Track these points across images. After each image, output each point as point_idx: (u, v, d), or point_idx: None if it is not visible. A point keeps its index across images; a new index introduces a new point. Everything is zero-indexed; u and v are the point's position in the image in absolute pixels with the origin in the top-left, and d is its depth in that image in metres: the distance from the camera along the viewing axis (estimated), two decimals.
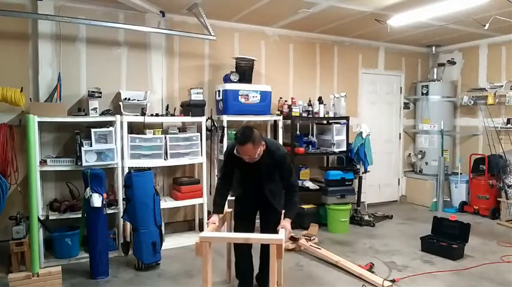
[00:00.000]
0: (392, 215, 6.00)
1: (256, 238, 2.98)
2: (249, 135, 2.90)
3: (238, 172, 3.23)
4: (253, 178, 3.17)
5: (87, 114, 4.33)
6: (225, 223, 3.48)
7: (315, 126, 5.81)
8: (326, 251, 4.23)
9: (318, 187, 5.52)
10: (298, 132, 5.43)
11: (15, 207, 4.13)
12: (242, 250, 3.36)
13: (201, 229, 4.97)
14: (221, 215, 3.27)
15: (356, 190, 5.66)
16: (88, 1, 4.51)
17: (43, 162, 4.13)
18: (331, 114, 5.65)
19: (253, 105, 5.03)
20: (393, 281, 3.58)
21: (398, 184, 7.15)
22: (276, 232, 3.09)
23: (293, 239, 4.39)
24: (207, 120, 4.96)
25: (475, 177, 6.17)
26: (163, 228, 4.38)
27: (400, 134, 7.12)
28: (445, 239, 4.38)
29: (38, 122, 3.96)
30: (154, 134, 4.59)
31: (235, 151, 3.01)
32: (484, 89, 6.23)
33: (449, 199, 6.54)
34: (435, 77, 6.85)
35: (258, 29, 5.64)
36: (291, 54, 5.96)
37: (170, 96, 5.10)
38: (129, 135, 4.39)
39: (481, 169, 6.13)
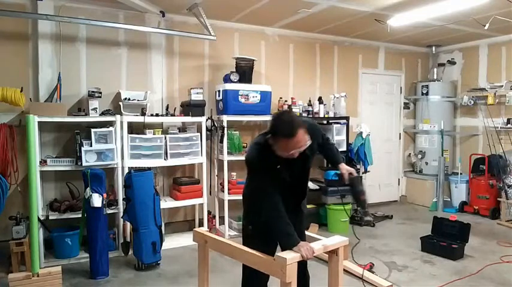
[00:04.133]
0: (392, 215, 6.00)
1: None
2: (294, 120, 2.15)
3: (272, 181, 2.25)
4: (290, 182, 2.34)
5: (87, 114, 4.33)
6: None
7: None
8: None
9: (318, 187, 5.52)
10: None
11: (15, 207, 4.13)
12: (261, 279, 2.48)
13: None
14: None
15: None
16: (88, 1, 4.51)
17: (43, 162, 4.13)
18: (331, 114, 5.65)
19: (253, 105, 5.03)
20: None
21: (398, 184, 7.15)
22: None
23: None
24: (207, 120, 4.96)
25: (475, 177, 6.17)
26: (163, 228, 4.39)
27: (400, 134, 7.12)
28: (445, 239, 4.38)
29: (38, 122, 3.96)
30: (154, 134, 4.59)
31: (278, 150, 2.17)
32: (484, 89, 6.23)
33: (449, 199, 6.54)
34: (435, 77, 6.85)
35: (258, 29, 5.64)
36: (291, 54, 5.96)
37: (170, 96, 5.10)
38: (129, 135, 4.39)
39: (481, 169, 6.12)
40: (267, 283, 2.54)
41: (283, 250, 2.13)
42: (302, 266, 2.31)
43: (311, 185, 5.55)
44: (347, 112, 5.76)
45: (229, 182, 4.98)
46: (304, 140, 2.15)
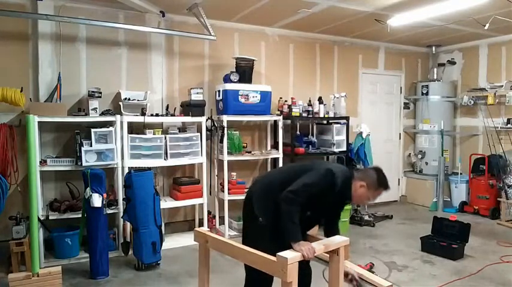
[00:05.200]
0: (392, 215, 6.00)
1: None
2: None
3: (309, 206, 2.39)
4: (319, 216, 2.58)
5: (87, 114, 4.33)
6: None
7: (315, 126, 5.81)
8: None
9: None
10: (298, 132, 5.43)
11: (15, 207, 4.13)
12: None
13: None
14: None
15: None
16: (88, 1, 4.51)
17: (43, 162, 4.12)
18: (331, 114, 5.65)
19: (253, 105, 5.02)
20: None
21: (399, 184, 7.15)
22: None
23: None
24: (207, 120, 4.95)
25: (475, 177, 6.17)
26: (163, 228, 4.39)
27: (400, 134, 7.12)
28: (445, 239, 4.38)
29: (38, 122, 3.96)
30: (154, 134, 4.59)
31: (367, 196, 2.46)
32: (484, 89, 6.23)
33: (449, 199, 6.54)
34: (435, 77, 6.84)
35: (258, 29, 5.64)
36: (291, 54, 5.96)
37: (170, 96, 5.10)
38: (129, 135, 4.39)
39: (481, 169, 6.13)
40: None
41: (286, 240, 2.18)
42: (304, 265, 2.31)
43: None
44: (347, 112, 5.76)
45: (229, 182, 4.97)
46: None
